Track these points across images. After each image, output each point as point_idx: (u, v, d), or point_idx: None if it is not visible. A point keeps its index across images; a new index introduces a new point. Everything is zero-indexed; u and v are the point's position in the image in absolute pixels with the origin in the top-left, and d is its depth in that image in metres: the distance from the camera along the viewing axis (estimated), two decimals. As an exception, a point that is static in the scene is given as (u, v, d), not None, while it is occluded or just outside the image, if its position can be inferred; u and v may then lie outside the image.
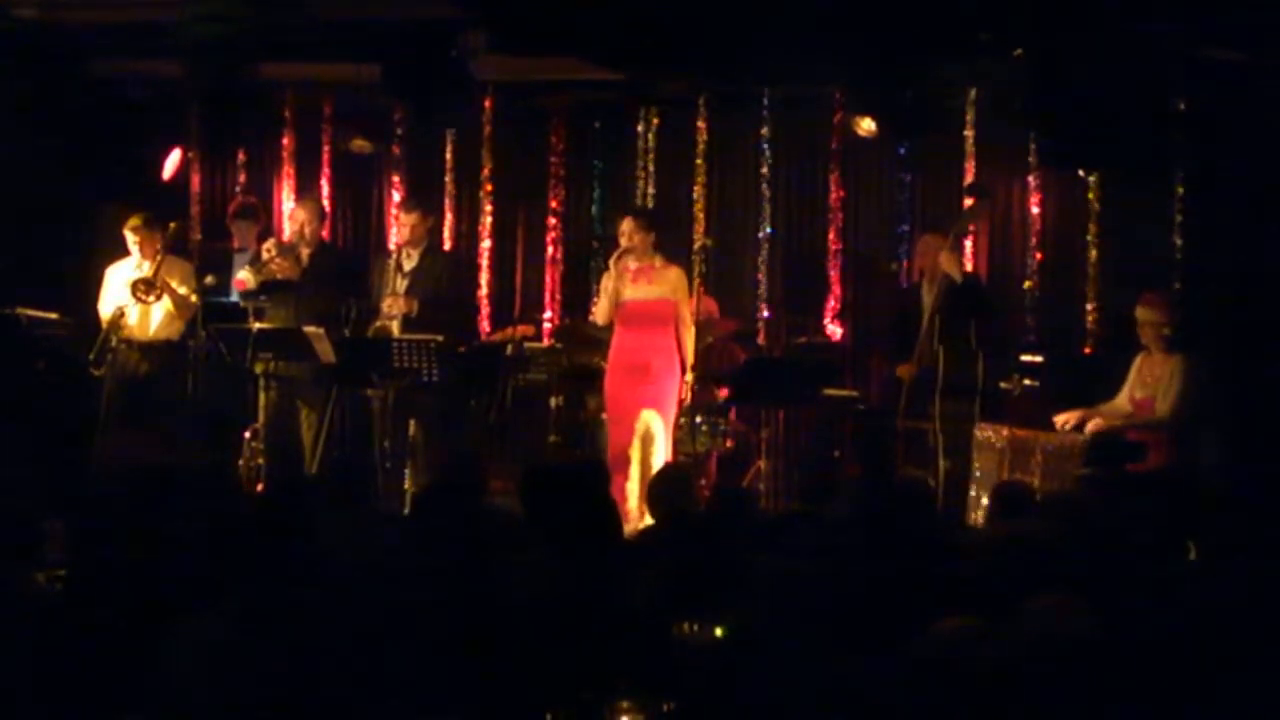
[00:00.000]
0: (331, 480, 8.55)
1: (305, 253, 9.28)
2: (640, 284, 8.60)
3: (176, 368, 9.14)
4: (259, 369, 9.00)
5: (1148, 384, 8.13)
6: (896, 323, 9.41)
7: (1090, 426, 8.05)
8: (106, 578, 4.40)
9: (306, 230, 9.35)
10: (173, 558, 4.38)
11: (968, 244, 9.82)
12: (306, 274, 9.18)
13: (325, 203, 11.00)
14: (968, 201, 9.66)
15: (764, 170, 10.52)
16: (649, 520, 7.78)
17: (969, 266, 9.83)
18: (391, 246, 10.01)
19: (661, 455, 8.30)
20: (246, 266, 9.31)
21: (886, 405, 9.19)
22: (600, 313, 8.76)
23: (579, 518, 4.95)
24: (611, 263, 8.62)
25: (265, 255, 9.19)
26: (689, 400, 8.64)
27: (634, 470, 8.26)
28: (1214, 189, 9.36)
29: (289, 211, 10.52)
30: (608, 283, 8.66)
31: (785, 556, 4.57)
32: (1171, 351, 8.07)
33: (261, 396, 9.06)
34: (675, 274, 8.66)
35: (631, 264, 8.61)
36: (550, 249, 10.92)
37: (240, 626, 3.68)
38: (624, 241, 8.63)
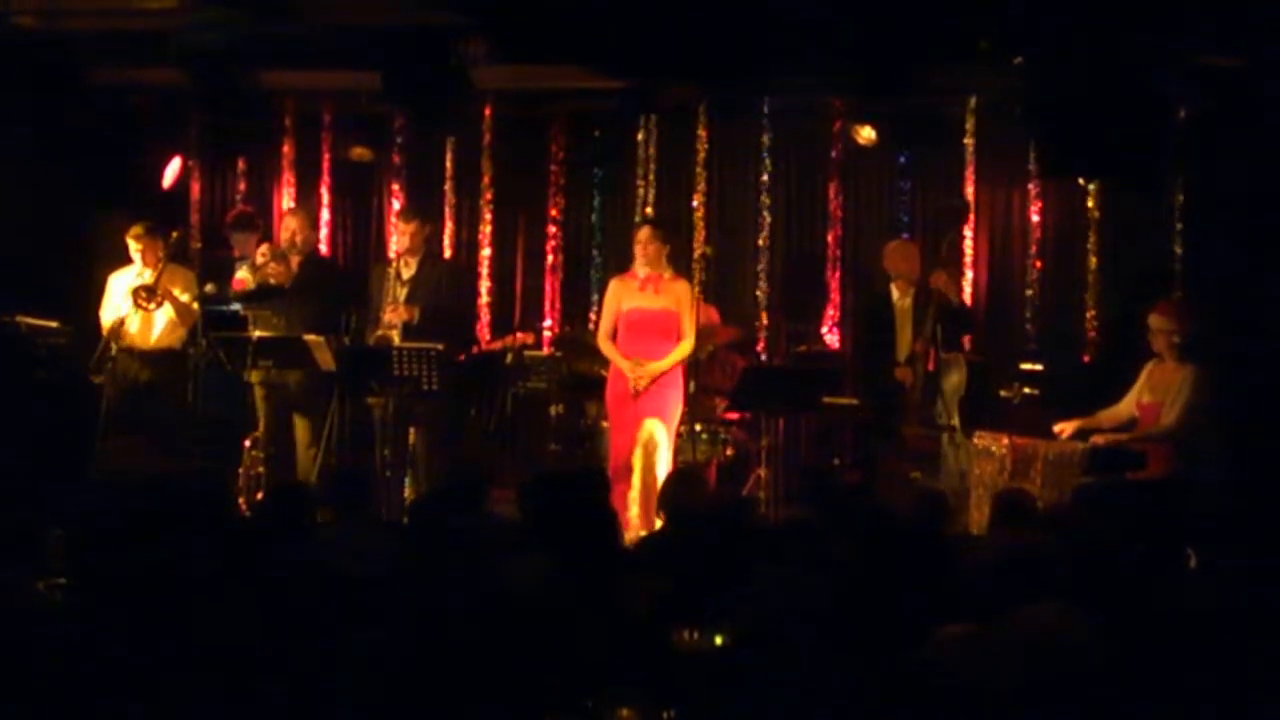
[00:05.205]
0: (331, 488, 8.57)
1: (295, 260, 9.34)
2: (647, 293, 8.60)
3: (177, 376, 9.15)
4: (255, 378, 9.04)
5: (1156, 390, 8.07)
6: (874, 326, 9.41)
7: (1095, 440, 8.03)
8: (107, 586, 4.40)
9: (297, 239, 9.44)
10: (173, 566, 4.38)
11: (967, 249, 9.88)
12: (294, 282, 9.24)
13: (325, 211, 11.06)
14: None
15: (764, 179, 10.52)
16: (650, 528, 7.80)
17: (968, 275, 9.88)
18: (391, 255, 10.02)
19: (664, 464, 8.31)
20: (245, 267, 9.41)
21: (884, 412, 9.17)
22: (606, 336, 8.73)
23: (579, 525, 4.96)
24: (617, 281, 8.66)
25: (260, 259, 9.28)
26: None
27: (635, 479, 8.26)
28: (1213, 197, 9.35)
29: (283, 219, 10.53)
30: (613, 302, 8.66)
31: (785, 564, 4.58)
32: (1183, 361, 8.01)
33: (260, 405, 9.11)
34: (682, 287, 8.67)
35: (640, 272, 8.61)
36: (550, 257, 10.92)
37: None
38: (639, 250, 8.64)
